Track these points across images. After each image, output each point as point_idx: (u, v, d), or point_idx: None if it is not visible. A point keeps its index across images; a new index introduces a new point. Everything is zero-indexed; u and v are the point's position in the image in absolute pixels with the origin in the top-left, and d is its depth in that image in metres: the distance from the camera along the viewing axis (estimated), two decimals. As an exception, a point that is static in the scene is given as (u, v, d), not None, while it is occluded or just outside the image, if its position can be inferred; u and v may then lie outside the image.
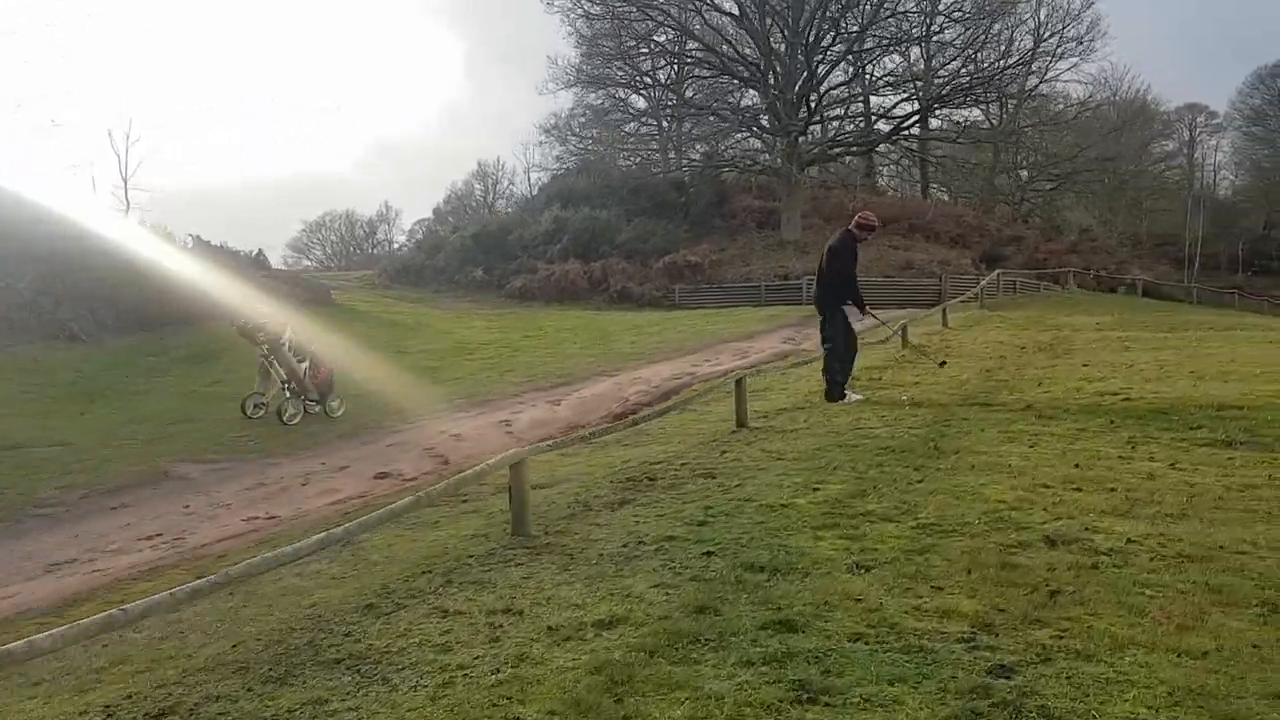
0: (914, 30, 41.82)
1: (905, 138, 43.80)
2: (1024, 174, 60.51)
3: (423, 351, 19.78)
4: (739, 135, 42.56)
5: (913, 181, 60.07)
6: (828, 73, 40.32)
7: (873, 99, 45.23)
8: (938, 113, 50.58)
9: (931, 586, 4.45)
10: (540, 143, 45.30)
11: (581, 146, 44.99)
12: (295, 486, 9.31)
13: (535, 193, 44.72)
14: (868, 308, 11.09)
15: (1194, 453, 7.30)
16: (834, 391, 10.88)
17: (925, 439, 8.03)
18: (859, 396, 11.00)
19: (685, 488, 6.87)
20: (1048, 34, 51.68)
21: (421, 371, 16.93)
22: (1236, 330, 18.40)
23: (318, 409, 12.86)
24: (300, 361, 12.79)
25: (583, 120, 44.16)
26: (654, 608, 4.32)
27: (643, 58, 40.33)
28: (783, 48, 39.11)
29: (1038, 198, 61.01)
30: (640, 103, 43.70)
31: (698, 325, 24.41)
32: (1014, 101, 55.67)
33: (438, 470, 9.81)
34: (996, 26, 47.02)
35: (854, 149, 43.94)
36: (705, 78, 42.88)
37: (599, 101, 43.22)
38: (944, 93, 41.40)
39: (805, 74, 38.15)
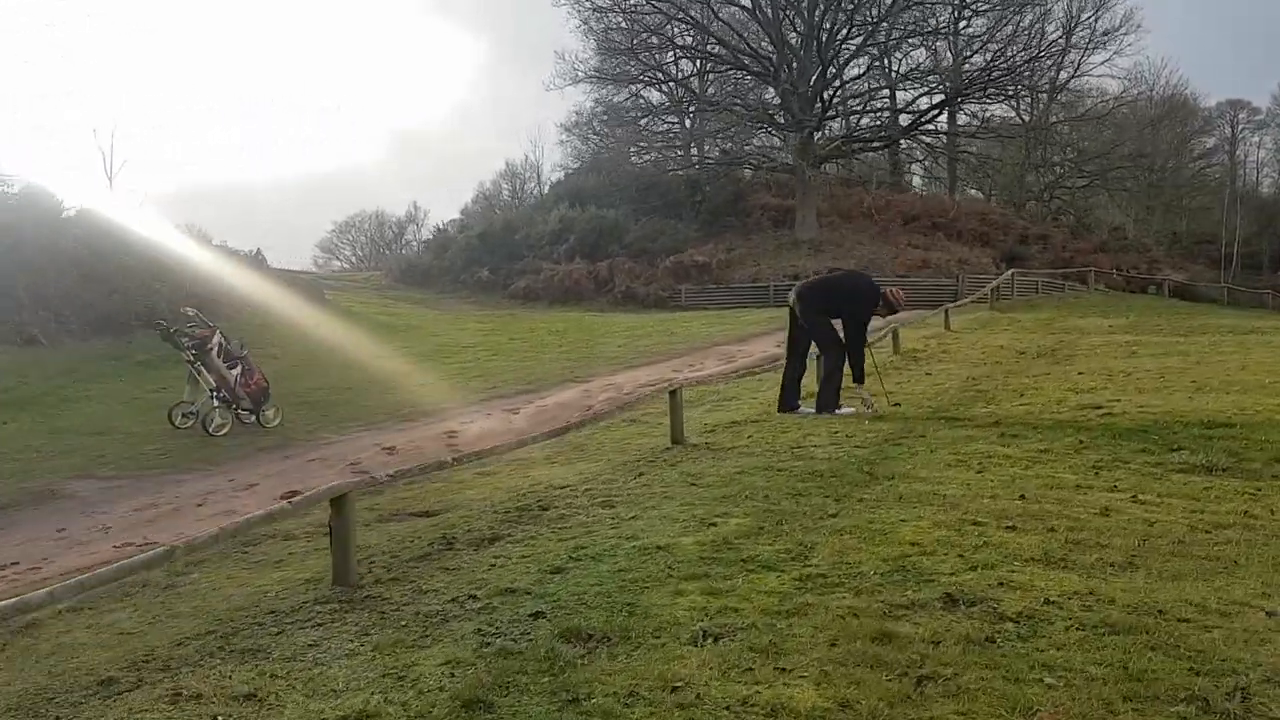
0: (937, 22, 40.52)
1: (927, 133, 42.57)
2: (1055, 171, 58.87)
3: (400, 355, 19.05)
4: (752, 129, 41.44)
5: (940, 178, 58.79)
6: (844, 66, 39.22)
7: (894, 92, 43.97)
8: (965, 109, 49.33)
9: (777, 668, 3.57)
10: (562, 141, 44.21)
11: (602, 145, 44.09)
12: (190, 508, 8.55)
13: (546, 191, 43.88)
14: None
15: (1165, 481, 6.36)
16: (826, 400, 10.01)
17: (864, 461, 7.13)
18: (850, 409, 10.07)
19: (573, 520, 6.01)
20: (1079, 26, 50.30)
21: (389, 376, 16.19)
22: (1256, 334, 17.24)
23: (252, 419, 12.12)
24: (231, 368, 12.06)
25: (604, 118, 43.24)
26: (421, 698, 3.47)
27: (654, 52, 39.32)
28: (797, 40, 38.06)
29: (1069, 195, 59.35)
30: (658, 98, 42.67)
31: (694, 328, 23.52)
32: (1044, 96, 54.30)
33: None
34: (1027, 19, 45.63)
35: (872, 145, 42.74)
36: (719, 72, 41.89)
37: (618, 98, 42.29)
38: (965, 87, 40.02)
39: (820, 67, 37.06)
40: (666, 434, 9.33)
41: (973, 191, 60.93)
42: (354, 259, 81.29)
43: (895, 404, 10.17)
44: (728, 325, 23.88)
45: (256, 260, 32.53)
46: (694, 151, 45.93)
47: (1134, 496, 5.92)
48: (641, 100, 42.97)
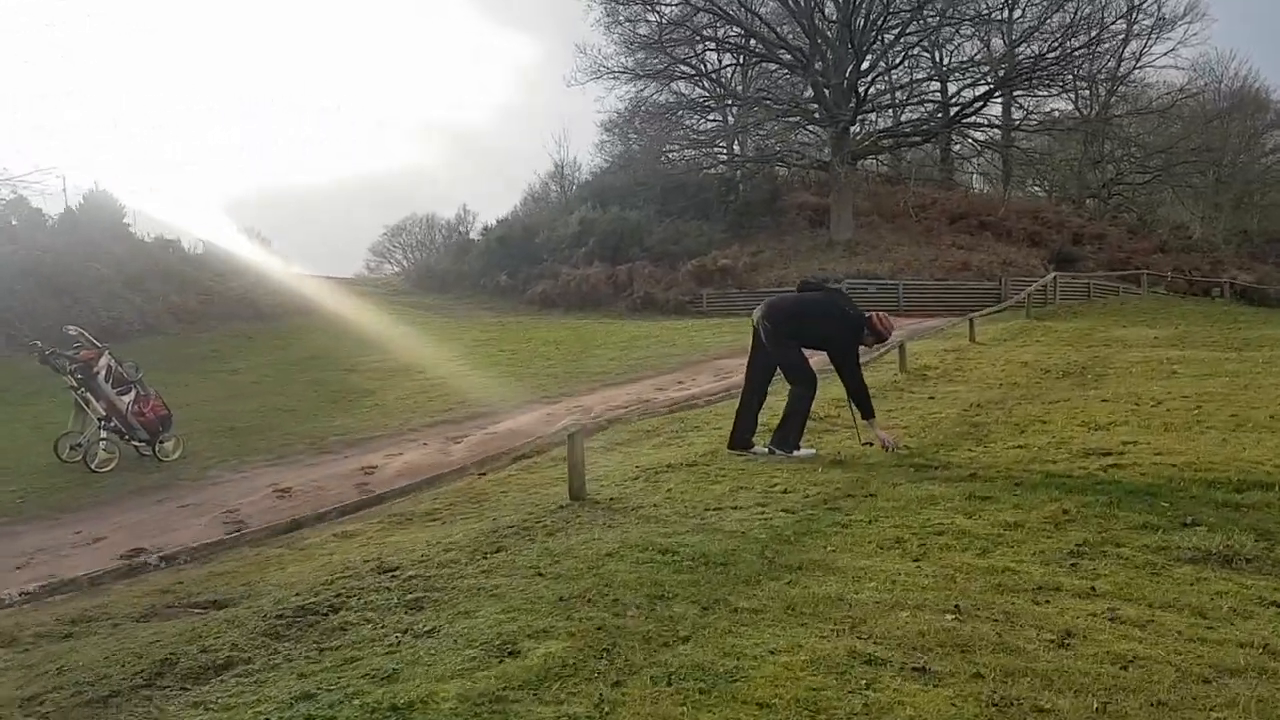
0: (979, 7, 38.30)
1: (974, 126, 40.34)
2: (1112, 167, 56.00)
3: (372, 370, 17.73)
4: (786, 124, 39.56)
5: (986, 174, 56.29)
6: (881, 56, 37.19)
7: (933, 85, 41.81)
8: (1020, 102, 46.91)
9: None
10: (602, 142, 42.46)
11: (634, 144, 42.42)
12: (5, 571, 7.20)
13: (573, 192, 42.34)
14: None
15: (1165, 580, 4.69)
16: (783, 439, 8.41)
17: (775, 538, 5.53)
18: (810, 451, 8.50)
19: (344, 639, 4.50)
20: (1140, 14, 47.61)
21: (339, 396, 14.88)
22: (1320, 348, 15.21)
23: (149, 451, 10.80)
24: (123, 394, 10.74)
25: (645, 115, 41.48)
26: None
27: (681, 44, 37.60)
28: (830, 30, 36.17)
29: (1129, 191, 56.45)
30: (690, 93, 40.88)
31: (700, 337, 21.92)
32: (1105, 87, 51.62)
33: (219, 540, 7.60)
34: (1086, 8, 42.92)
35: (912, 139, 40.61)
36: (749, 65, 40.12)
37: (659, 95, 40.51)
38: (1008, 76, 37.76)
39: (854, 59, 35.12)
40: (596, 475, 7.85)
41: (1033, 188, 58.40)
42: (404, 262, 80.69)
43: (866, 442, 8.52)
44: (739, 334, 22.18)
45: (257, 266, 31.61)
46: (735, 148, 44.16)
47: (1113, 612, 4.27)
48: (679, 96, 41.23)
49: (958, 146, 48.44)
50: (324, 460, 10.73)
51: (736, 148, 42.86)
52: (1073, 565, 4.92)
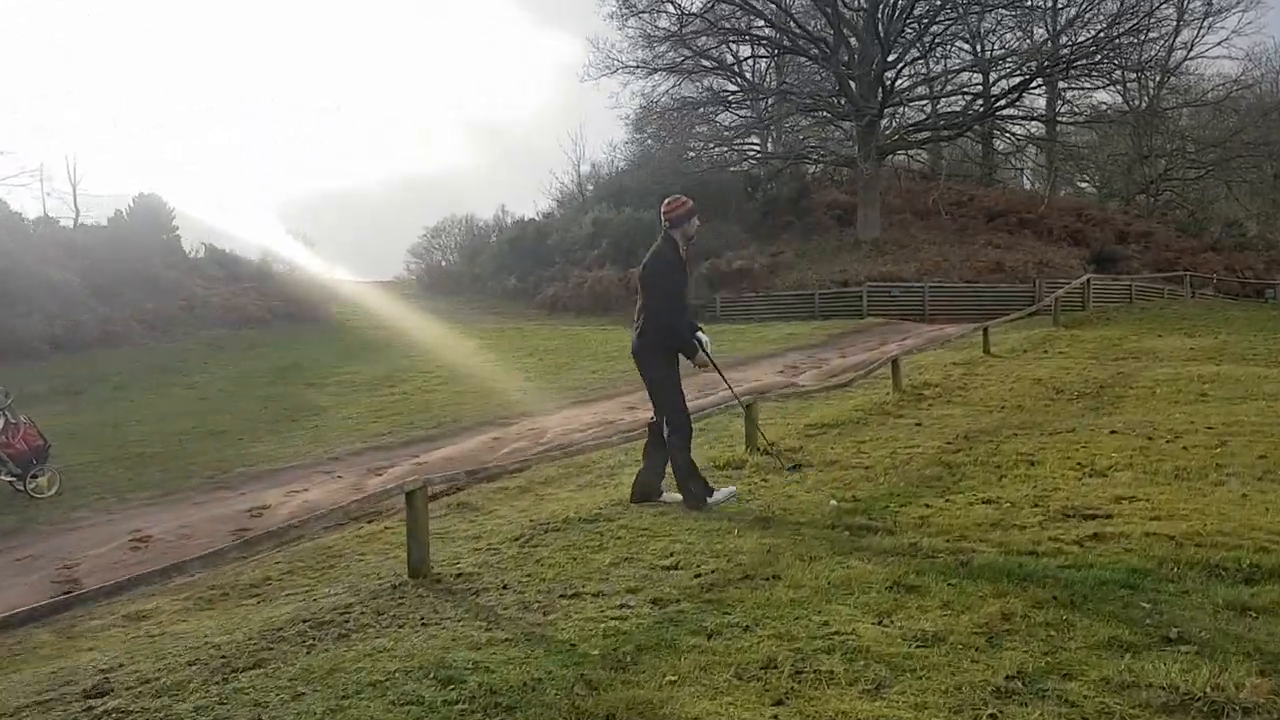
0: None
1: (1010, 119, 38.42)
2: (1163, 162, 53.45)
3: (338, 384, 16.56)
4: (812, 118, 37.94)
5: (1020, 169, 54.06)
6: (911, 44, 35.39)
7: (968, 77, 39.89)
8: (1065, 95, 44.80)
9: None
10: (634, 140, 40.89)
11: (655, 141, 40.90)
12: None
13: (590, 191, 40.96)
14: (701, 356, 7.13)
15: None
16: (688, 494, 6.99)
17: (607, 660, 4.14)
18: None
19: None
20: (1192, 2, 45.28)
21: (284, 415, 13.74)
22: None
23: (22, 487, 9.63)
24: (-15, 425, 9.60)
25: (664, 111, 39.97)
26: None
27: (700, 36, 35.99)
28: (856, 18, 34.47)
29: (1180, 187, 53.88)
30: (716, 87, 39.22)
31: (701, 346, 20.48)
32: (1154, 79, 49.26)
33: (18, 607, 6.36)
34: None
35: (944, 133, 38.71)
36: (772, 57, 38.50)
37: (674, 88, 38.96)
38: (1045, 65, 35.76)
39: (881, 48, 33.37)
40: (478, 531, 6.55)
41: (1081, 185, 55.93)
42: (444, 264, 79.92)
43: (793, 465, 7.10)
44: (742, 341, 20.75)
45: (261, 267, 30.63)
46: (762, 145, 42.54)
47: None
48: (705, 91, 39.63)
49: (1001, 144, 46.45)
50: (216, 498, 9.51)
51: (758, 143, 41.23)
52: (993, 718, 3.49)
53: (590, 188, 40.56)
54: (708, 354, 7.18)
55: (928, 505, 6.54)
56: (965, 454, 8.35)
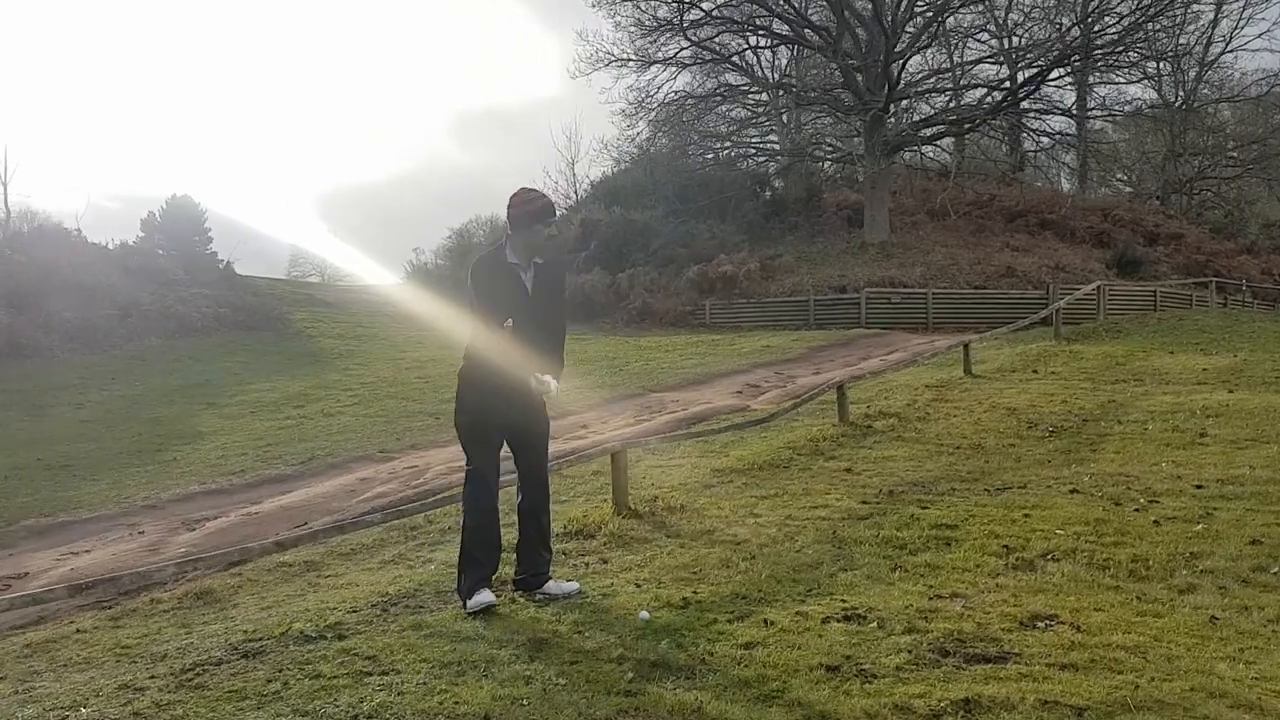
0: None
1: (1026, 113, 36.14)
2: (1199, 160, 50.73)
3: (242, 404, 14.93)
4: (816, 112, 35.91)
5: (1063, 170, 51.56)
6: (921, 32, 33.27)
7: (983, 68, 37.67)
8: (1095, 91, 42.43)
9: None
10: (614, 137, 39.08)
11: (652, 133, 38.93)
12: None
13: (585, 191, 39.18)
14: (539, 376, 5.25)
15: None
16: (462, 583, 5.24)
17: None
18: (483, 599, 5.17)
19: None
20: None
21: (154, 444, 12.17)
22: None
23: None
24: None
25: (676, 106, 37.94)
26: None
27: (699, 26, 33.97)
28: (865, 5, 32.39)
29: (1216, 186, 51.18)
30: (711, 83, 37.25)
31: (666, 359, 18.66)
32: (1191, 72, 46.73)
33: None
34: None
35: (956, 127, 36.47)
36: (770, 48, 36.52)
37: (668, 81, 37.01)
38: (1064, 54, 33.49)
39: (887, 37, 31.28)
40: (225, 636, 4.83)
41: (1117, 182, 53.34)
42: (431, 266, 79.12)
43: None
44: (712, 356, 18.86)
45: (226, 272, 29.17)
46: (772, 141, 40.53)
47: None
48: (719, 84, 37.58)
49: (1027, 142, 44.10)
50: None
51: (758, 137, 39.22)
52: None
53: (585, 187, 38.78)
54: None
55: (768, 622, 4.69)
56: (872, 523, 6.49)
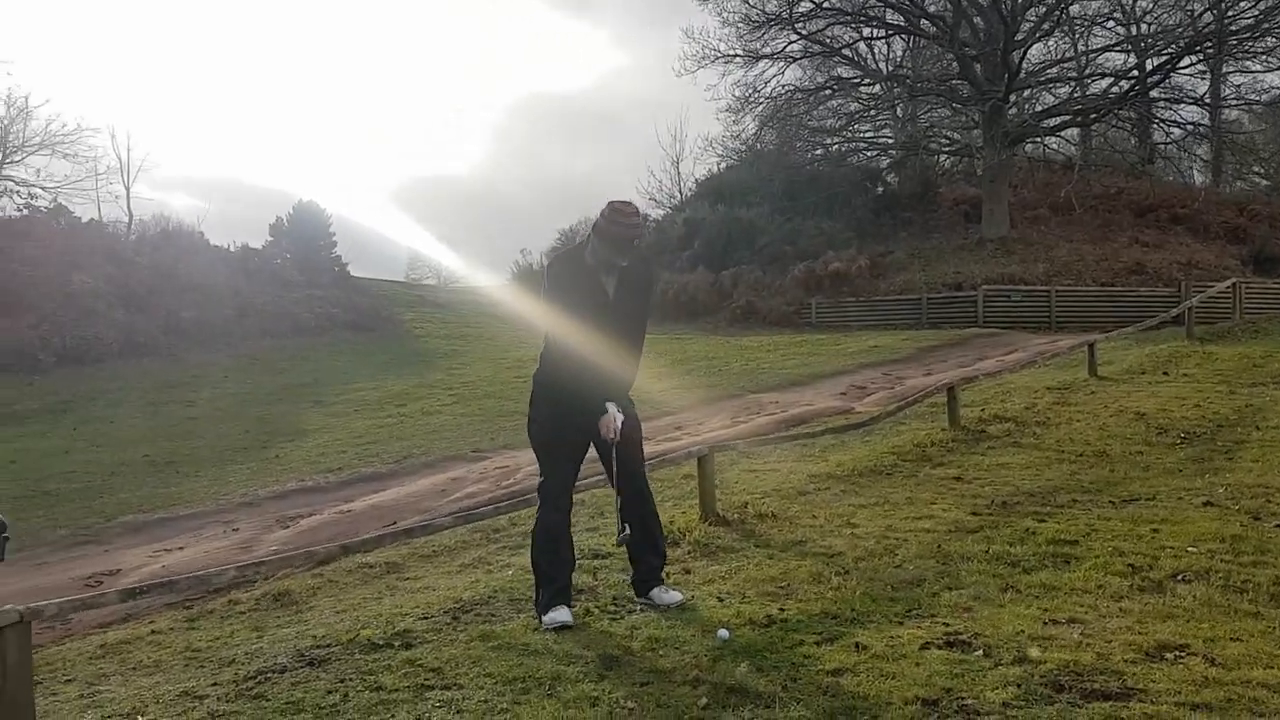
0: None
1: (1155, 101, 34.33)
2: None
3: (349, 401, 15.10)
4: (933, 103, 34.82)
5: (1196, 163, 49.00)
6: (1044, 19, 31.90)
7: (1110, 56, 35.90)
8: (1231, 79, 40.15)
9: None
10: (730, 134, 38.41)
11: (759, 130, 38.27)
12: None
13: (690, 189, 38.76)
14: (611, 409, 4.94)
15: None
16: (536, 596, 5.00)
17: None
18: (559, 617, 4.84)
19: None
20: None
21: (259, 441, 12.46)
22: None
23: None
24: None
25: (785, 100, 37.18)
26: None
27: (809, 19, 33.24)
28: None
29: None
30: (822, 77, 36.44)
31: (768, 359, 18.22)
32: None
33: None
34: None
35: (1080, 116, 34.83)
36: (884, 39, 35.52)
37: (777, 75, 36.30)
38: (1198, 40, 31.71)
39: (1004, 26, 30.09)
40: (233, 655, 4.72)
41: (1254, 177, 50.46)
42: (535, 267, 79.72)
43: (622, 531, 4.97)
44: (816, 356, 18.33)
45: (340, 273, 29.74)
46: (886, 134, 39.56)
47: None
48: (821, 77, 36.81)
49: (1157, 134, 42.01)
50: (69, 558, 7.95)
51: (870, 131, 38.23)
52: None
53: (690, 185, 38.38)
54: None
55: (860, 646, 4.30)
56: (982, 537, 6.01)
